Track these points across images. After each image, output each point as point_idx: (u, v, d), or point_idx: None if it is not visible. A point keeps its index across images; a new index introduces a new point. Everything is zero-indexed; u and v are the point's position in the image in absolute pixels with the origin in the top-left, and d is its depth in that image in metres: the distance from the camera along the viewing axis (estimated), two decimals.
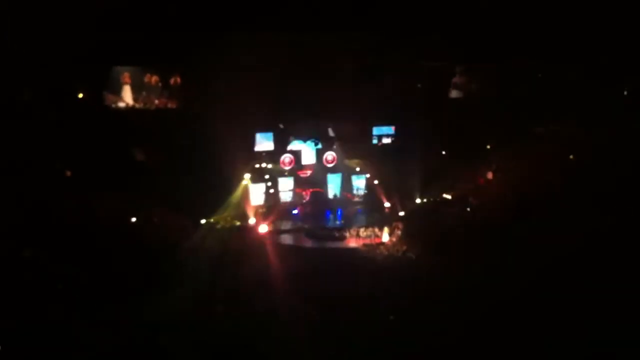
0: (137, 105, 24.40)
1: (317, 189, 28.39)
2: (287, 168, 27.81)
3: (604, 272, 17.82)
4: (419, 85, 27.78)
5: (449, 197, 27.27)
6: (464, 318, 16.71)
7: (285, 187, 27.89)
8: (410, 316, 17.18)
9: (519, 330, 15.80)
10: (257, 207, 26.79)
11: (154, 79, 24.54)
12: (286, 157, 27.80)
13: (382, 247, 23.61)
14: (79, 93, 23.47)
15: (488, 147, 27.35)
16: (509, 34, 25.39)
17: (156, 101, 24.67)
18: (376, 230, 24.91)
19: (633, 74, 25.03)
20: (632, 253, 18.49)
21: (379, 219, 26.22)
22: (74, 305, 16.07)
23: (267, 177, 27.35)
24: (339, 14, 23.72)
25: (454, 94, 27.93)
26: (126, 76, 24.25)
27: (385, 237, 24.27)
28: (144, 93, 24.50)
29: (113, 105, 24.15)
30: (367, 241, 24.35)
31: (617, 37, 24.12)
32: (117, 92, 24.20)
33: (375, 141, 28.62)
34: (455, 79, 27.92)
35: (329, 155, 28.32)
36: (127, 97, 24.37)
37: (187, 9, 22.51)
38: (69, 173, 22.70)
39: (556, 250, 19.61)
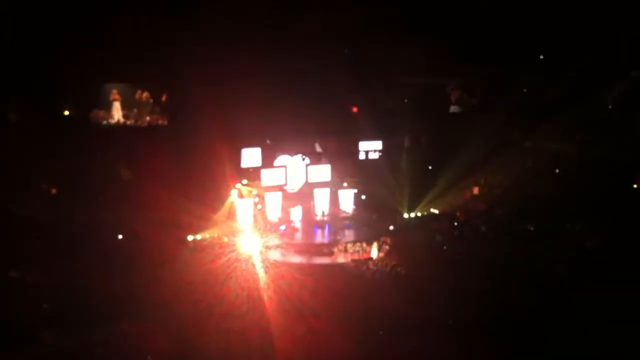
0: (127, 122, 24.30)
1: (305, 205, 28.34)
2: (272, 183, 27.76)
3: (592, 285, 17.92)
4: (405, 100, 27.97)
5: (436, 211, 27.32)
6: (454, 331, 16.74)
7: (273, 203, 27.79)
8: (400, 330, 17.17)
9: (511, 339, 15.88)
10: (245, 223, 26.75)
11: (145, 95, 24.50)
12: (271, 173, 27.75)
13: (370, 262, 23.55)
14: (66, 110, 23.36)
15: (474, 161, 27.43)
16: (492, 48, 25.69)
17: (147, 118, 24.57)
18: (364, 245, 24.84)
19: (619, 85, 25.36)
20: (619, 265, 18.60)
21: (367, 234, 26.15)
22: (59, 326, 15.88)
23: (254, 193, 27.29)
24: (326, 30, 23.94)
25: (442, 108, 28.15)
26: (115, 93, 24.21)
27: (374, 252, 24.20)
28: (135, 110, 24.43)
29: (104, 122, 24.04)
30: (356, 256, 24.25)
31: (604, 48, 24.44)
32: (107, 109, 24.13)
33: (362, 156, 28.69)
34: (443, 94, 28.15)
35: (319, 170, 28.32)
36: (117, 113, 24.30)
37: (174, 26, 22.57)
38: (54, 190, 22.52)
39: (544, 263, 19.72)
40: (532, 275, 19.34)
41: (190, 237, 24.18)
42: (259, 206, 27.50)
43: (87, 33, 21.36)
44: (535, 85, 27.30)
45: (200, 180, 24.62)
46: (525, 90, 27.87)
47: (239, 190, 26.96)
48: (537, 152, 26.49)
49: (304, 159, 28.26)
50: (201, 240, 24.48)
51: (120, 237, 22.30)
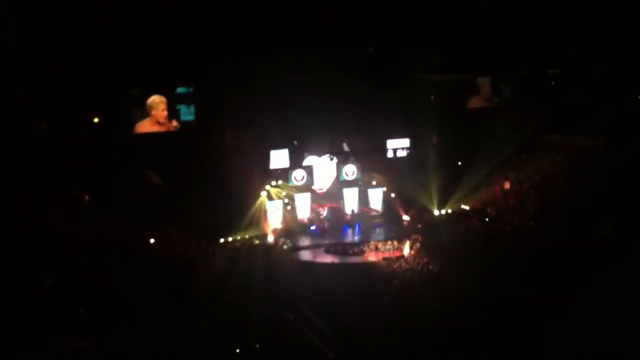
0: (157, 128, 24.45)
1: (334, 204, 28.38)
2: (299, 184, 27.85)
3: (628, 283, 17.55)
4: (432, 97, 27.84)
5: (467, 208, 27.12)
6: (482, 329, 16.57)
7: (302, 204, 27.89)
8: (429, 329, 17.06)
9: (539, 340, 15.64)
10: (275, 224, 26.91)
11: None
12: (298, 173, 27.84)
13: (402, 260, 23.42)
14: (95, 118, 23.62)
15: (504, 156, 27.21)
16: (520, 43, 25.46)
17: (174, 123, 24.65)
18: (395, 243, 24.77)
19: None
20: None
21: (398, 232, 26.08)
22: (90, 330, 16.02)
23: (283, 194, 27.42)
24: (351, 29, 23.92)
25: (468, 104, 27.96)
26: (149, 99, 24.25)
27: (406, 250, 24.08)
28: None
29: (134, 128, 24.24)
30: (387, 255, 24.17)
31: (633, 43, 24.07)
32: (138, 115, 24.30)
33: (390, 154, 28.62)
34: (470, 90, 27.98)
35: (349, 168, 28.35)
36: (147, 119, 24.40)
37: (200, 30, 22.73)
38: (86, 197, 22.81)
39: (576, 260, 19.39)
40: (563, 273, 19.00)
41: (221, 240, 24.40)
42: (289, 207, 27.64)
43: (117, 40, 21.57)
44: (564, 80, 27.06)
45: (230, 183, 24.78)
46: (553, 83, 27.59)
47: (269, 191, 27.15)
48: (568, 146, 26.17)
49: (332, 159, 28.29)
50: (232, 241, 24.71)
51: (152, 240, 22.52)
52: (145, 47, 22.03)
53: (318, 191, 28.33)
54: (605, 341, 14.82)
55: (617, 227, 20.62)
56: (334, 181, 28.54)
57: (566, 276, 18.47)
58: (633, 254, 18.43)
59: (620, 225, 20.59)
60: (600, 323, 15.42)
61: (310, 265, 23.87)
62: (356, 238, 26.73)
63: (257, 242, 25.09)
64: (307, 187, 28.11)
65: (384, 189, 28.74)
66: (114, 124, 23.70)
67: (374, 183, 28.78)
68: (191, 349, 15.58)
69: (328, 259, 24.49)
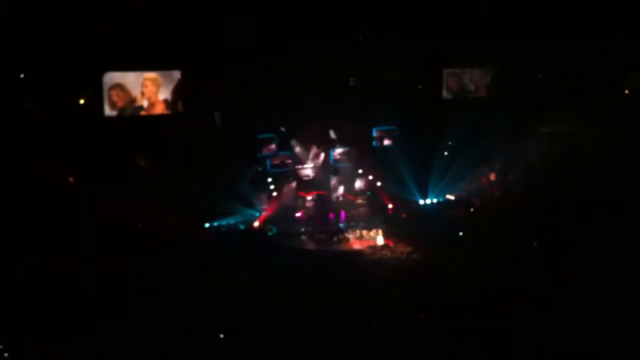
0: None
1: (320, 192, 28.36)
2: (284, 170, 27.80)
3: (609, 274, 17.71)
4: (420, 87, 27.87)
5: (452, 198, 27.28)
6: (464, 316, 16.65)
7: (288, 190, 27.85)
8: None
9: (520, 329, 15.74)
10: (261, 210, 26.88)
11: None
12: (280, 159, 27.73)
13: (386, 249, 23.56)
14: (81, 99, 23.36)
15: (491, 147, 27.35)
16: (509, 33, 25.53)
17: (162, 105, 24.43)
18: (380, 231, 24.90)
19: (635, 72, 25.08)
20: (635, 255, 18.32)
21: (383, 220, 26.17)
22: (82, 316, 15.94)
23: (269, 180, 27.36)
24: (338, 18, 23.84)
25: (455, 94, 28.02)
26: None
27: (379, 239, 24.23)
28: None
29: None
30: (371, 243, 24.32)
31: (618, 34, 24.21)
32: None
33: (377, 142, 28.64)
34: (458, 79, 28.02)
35: (337, 155, 28.33)
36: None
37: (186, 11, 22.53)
38: (71, 179, 22.63)
39: (560, 252, 19.55)
40: (548, 264, 19.12)
41: (207, 224, 24.39)
42: (274, 193, 27.58)
43: (100, 17, 21.30)
44: (551, 70, 27.18)
45: (217, 168, 24.67)
46: (540, 75, 27.73)
47: (255, 177, 27.08)
48: (555, 137, 26.33)
49: (319, 147, 28.26)
50: (218, 226, 24.71)
51: (139, 224, 22.43)
52: (130, 27, 21.79)
53: (304, 178, 28.29)
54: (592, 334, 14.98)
55: (603, 218, 20.82)
56: (321, 168, 28.51)
57: (550, 267, 18.67)
58: (619, 245, 18.67)
59: (607, 217, 20.79)
60: (586, 315, 15.58)
61: (294, 251, 23.95)
62: (341, 225, 26.76)
63: (242, 227, 25.13)
64: (293, 174, 28.06)
65: (370, 177, 28.77)
66: (98, 105, 23.41)
67: (360, 171, 28.80)
68: (172, 334, 15.53)
69: (311, 245, 24.71)
